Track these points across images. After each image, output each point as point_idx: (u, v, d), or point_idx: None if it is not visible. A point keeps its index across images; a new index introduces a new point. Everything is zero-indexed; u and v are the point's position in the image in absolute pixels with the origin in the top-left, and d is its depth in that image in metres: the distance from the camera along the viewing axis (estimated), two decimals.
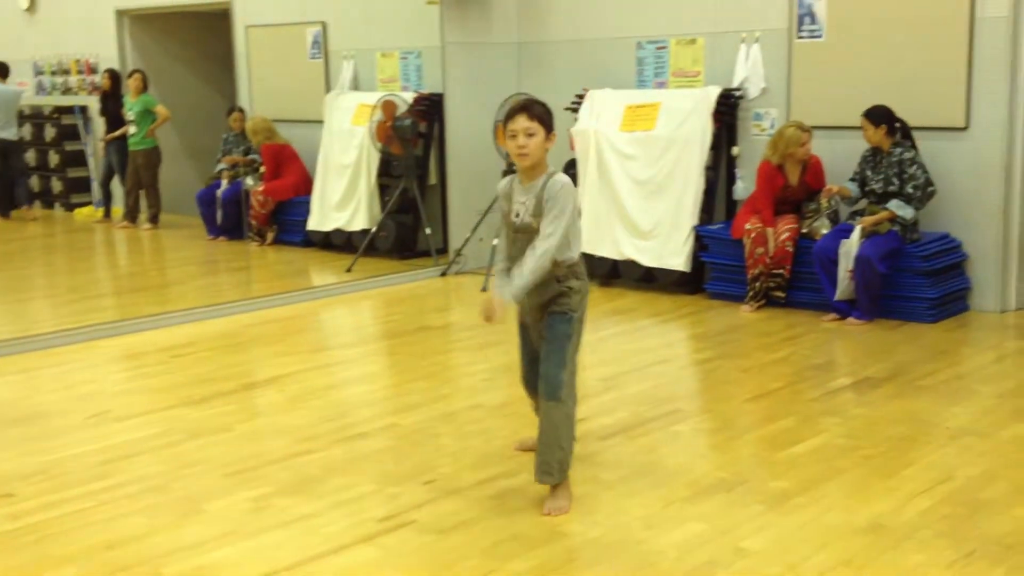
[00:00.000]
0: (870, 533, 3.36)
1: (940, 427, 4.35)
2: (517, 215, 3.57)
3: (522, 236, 3.55)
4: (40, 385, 5.46)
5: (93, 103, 11.38)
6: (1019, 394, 4.77)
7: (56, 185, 12.00)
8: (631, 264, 7.19)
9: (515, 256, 3.57)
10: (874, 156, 6.22)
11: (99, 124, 11.16)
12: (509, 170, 7.69)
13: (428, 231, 8.30)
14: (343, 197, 8.94)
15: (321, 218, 9.09)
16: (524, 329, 3.79)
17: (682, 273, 6.98)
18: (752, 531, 3.40)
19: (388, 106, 8.35)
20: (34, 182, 12.10)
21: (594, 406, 4.70)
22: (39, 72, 12.29)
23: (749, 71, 7.04)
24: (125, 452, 4.34)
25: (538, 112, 3.50)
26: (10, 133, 11.19)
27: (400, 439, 4.45)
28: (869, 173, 6.24)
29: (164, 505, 3.78)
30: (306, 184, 9.41)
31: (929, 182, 6.09)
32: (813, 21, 6.75)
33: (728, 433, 4.44)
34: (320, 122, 9.21)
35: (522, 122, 3.46)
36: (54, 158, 11.93)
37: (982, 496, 3.63)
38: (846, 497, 3.65)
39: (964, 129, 6.24)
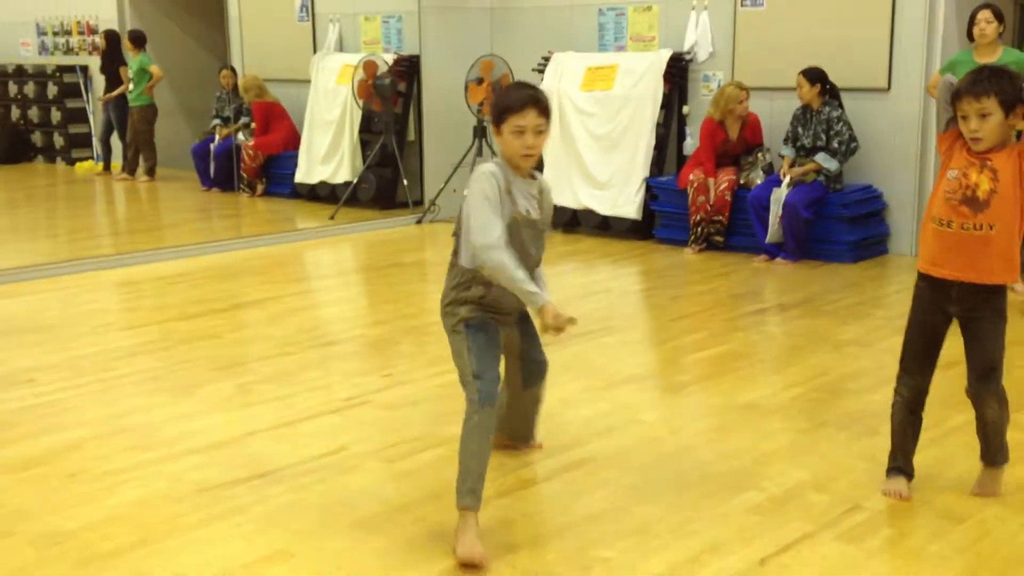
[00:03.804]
0: (745, 410, 4.07)
1: (830, 340, 5.05)
2: (528, 212, 3.10)
3: (529, 231, 3.13)
4: (49, 304, 6.12)
5: (93, 62, 12.00)
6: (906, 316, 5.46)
7: (58, 140, 12.64)
8: (589, 213, 7.87)
9: (518, 251, 3.07)
10: (804, 114, 6.90)
11: (99, 82, 11.79)
12: (480, 127, 8.37)
13: (405, 183, 8.97)
14: (328, 151, 9.60)
15: (307, 171, 9.75)
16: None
17: (634, 221, 7.66)
18: (649, 409, 4.12)
19: (370, 66, 9.00)
20: (37, 137, 12.76)
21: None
22: (42, 32, 12.90)
23: (699, 36, 7.71)
24: (127, 352, 5.02)
25: (547, 105, 3.04)
26: None
27: (366, 346, 5.15)
28: (800, 130, 6.92)
29: (162, 389, 4.47)
30: (294, 139, 10.06)
31: (853, 138, 6.77)
32: None
33: (647, 343, 5.16)
34: (307, 81, 9.86)
35: (532, 118, 2.99)
36: (56, 115, 12.56)
37: (846, 387, 4.34)
38: (732, 387, 4.36)
39: (886, 90, 6.93)
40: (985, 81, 2.97)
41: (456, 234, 3.20)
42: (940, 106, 3.11)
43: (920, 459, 3.36)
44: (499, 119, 3.04)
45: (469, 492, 3.00)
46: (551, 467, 3.54)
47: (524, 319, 3.35)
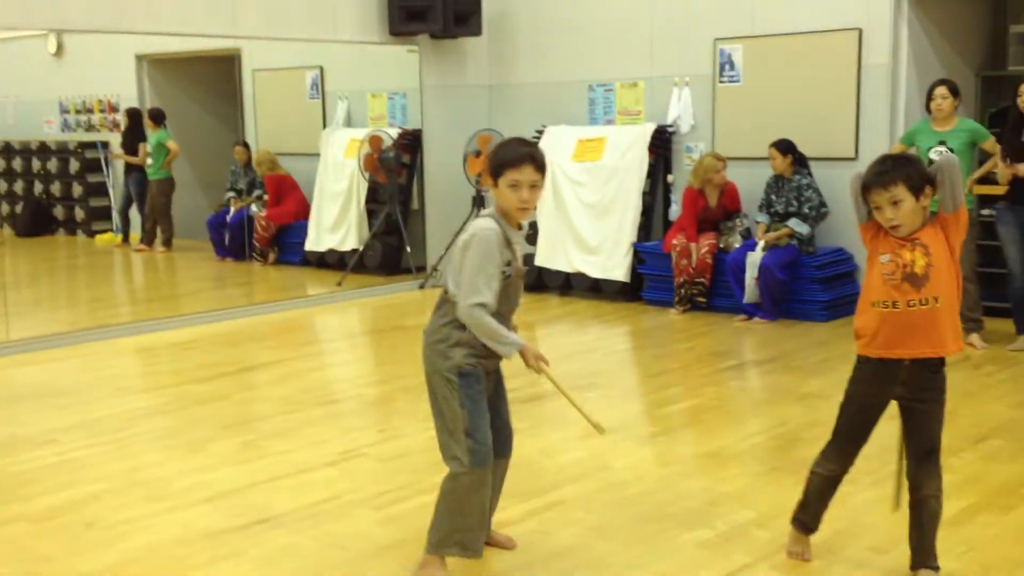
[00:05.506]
0: (707, 457, 4.43)
1: (795, 393, 5.42)
2: (522, 264, 3.32)
3: (517, 283, 3.30)
4: (70, 369, 6.55)
5: (114, 139, 12.59)
6: None
7: (79, 213, 13.20)
8: (581, 276, 8.29)
9: (504, 300, 3.24)
10: (776, 182, 7.34)
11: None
12: (479, 196, 8.83)
13: (409, 250, 9.42)
14: (336, 221, 10.10)
15: (317, 239, 10.24)
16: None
17: (623, 283, 8.07)
18: (619, 457, 4.48)
19: (375, 140, 9.51)
20: (59, 211, 13.32)
21: (523, 382, 5.76)
22: (64, 111, 13.53)
23: (681, 110, 8.19)
24: (143, 413, 5.43)
25: (543, 162, 3.18)
26: None
27: (364, 404, 5.54)
28: (773, 197, 7.35)
29: (174, 446, 4.86)
30: (304, 210, 10.56)
31: (823, 204, 7.19)
32: (732, 68, 7.90)
33: (625, 398, 5.53)
34: (317, 155, 10.39)
35: (530, 173, 3.13)
36: (77, 189, 13.13)
37: (802, 435, 4.70)
38: (699, 436, 4.73)
39: (854, 159, 7.36)
40: (890, 170, 3.03)
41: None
42: (854, 199, 3.13)
43: (860, 490, 3.70)
44: (497, 172, 3.16)
45: (457, 545, 3.22)
46: (526, 509, 3.91)
47: (498, 377, 3.43)
